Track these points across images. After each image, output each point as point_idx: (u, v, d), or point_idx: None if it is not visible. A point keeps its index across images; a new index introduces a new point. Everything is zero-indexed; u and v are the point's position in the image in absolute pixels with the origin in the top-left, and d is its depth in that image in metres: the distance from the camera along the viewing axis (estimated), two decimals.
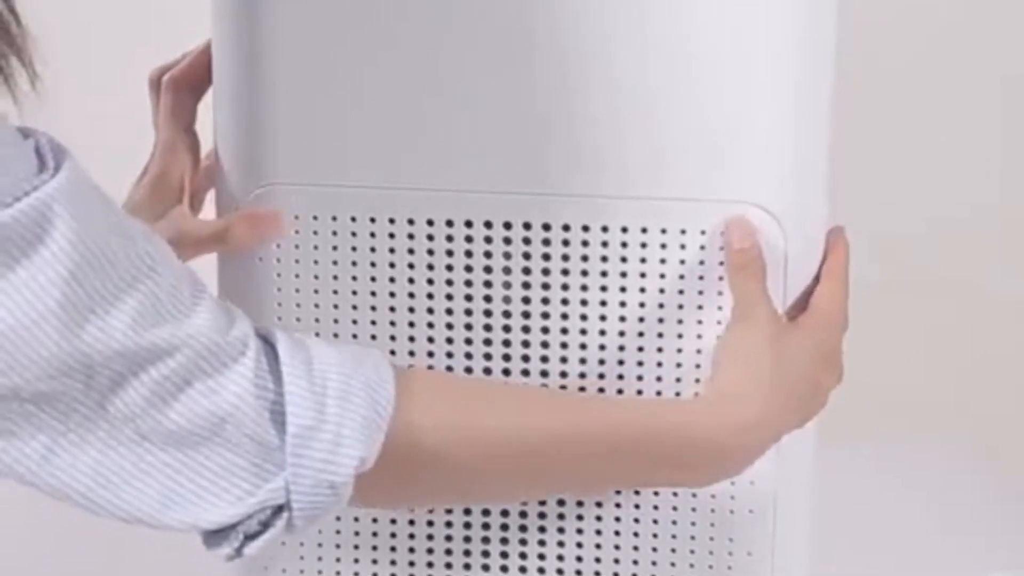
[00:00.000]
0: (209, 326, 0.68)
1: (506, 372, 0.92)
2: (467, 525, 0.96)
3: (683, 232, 0.89)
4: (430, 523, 0.96)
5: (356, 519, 0.97)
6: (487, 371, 0.92)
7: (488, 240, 0.91)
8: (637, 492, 0.93)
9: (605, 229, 0.90)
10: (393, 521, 0.96)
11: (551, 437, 0.79)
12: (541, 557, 0.95)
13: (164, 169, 0.95)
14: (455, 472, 0.77)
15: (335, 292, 0.93)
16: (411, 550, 0.97)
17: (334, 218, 0.92)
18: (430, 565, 0.97)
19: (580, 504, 0.94)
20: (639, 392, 0.91)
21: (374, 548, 0.97)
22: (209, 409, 0.68)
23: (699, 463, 0.83)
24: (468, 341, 0.92)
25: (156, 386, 0.67)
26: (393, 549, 0.97)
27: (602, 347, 0.91)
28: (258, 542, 0.71)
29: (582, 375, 0.92)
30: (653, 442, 0.82)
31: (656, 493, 0.93)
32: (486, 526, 0.95)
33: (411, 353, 0.93)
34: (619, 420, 0.82)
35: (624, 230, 0.90)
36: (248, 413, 0.68)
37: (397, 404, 0.73)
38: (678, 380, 0.91)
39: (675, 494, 0.93)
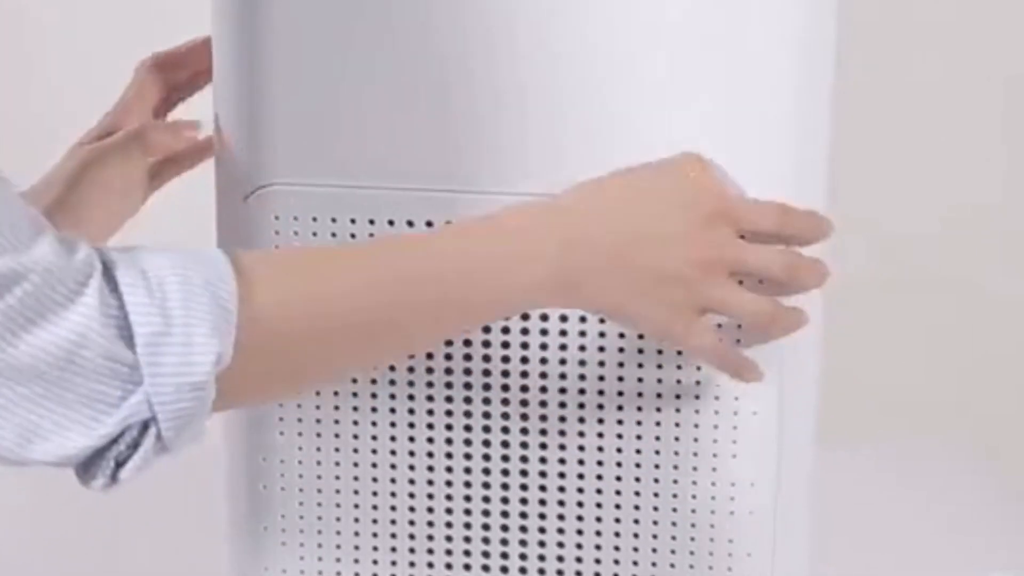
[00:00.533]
0: (50, 254, 0.67)
1: (505, 373, 0.92)
2: (467, 525, 0.96)
3: None
4: (430, 523, 0.96)
5: (356, 519, 0.97)
6: (486, 372, 0.92)
7: None
8: (637, 493, 0.93)
9: None
10: (393, 522, 0.97)
11: (394, 287, 0.77)
12: (541, 558, 0.95)
13: (112, 123, 1.01)
14: (313, 347, 0.76)
15: None
16: (411, 550, 0.97)
17: (334, 219, 0.92)
18: (430, 566, 0.97)
19: (580, 505, 0.94)
20: (639, 395, 0.91)
21: (374, 548, 0.97)
22: (61, 336, 0.67)
23: (528, 276, 0.80)
24: (467, 343, 0.92)
25: (3, 319, 0.66)
26: (393, 550, 0.97)
27: (601, 348, 0.92)
28: (130, 465, 0.70)
29: (582, 376, 0.92)
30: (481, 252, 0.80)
31: (656, 495, 0.93)
32: (486, 527, 0.95)
33: (410, 353, 0.93)
34: (450, 246, 0.80)
35: None
36: (98, 337, 0.68)
37: (241, 295, 0.72)
38: (678, 382, 0.91)
39: (675, 495, 0.93)
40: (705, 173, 0.82)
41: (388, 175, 0.91)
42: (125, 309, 0.69)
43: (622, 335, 0.91)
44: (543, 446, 0.94)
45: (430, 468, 0.95)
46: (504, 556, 0.96)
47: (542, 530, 0.95)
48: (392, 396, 0.94)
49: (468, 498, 0.95)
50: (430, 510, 0.95)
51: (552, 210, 0.81)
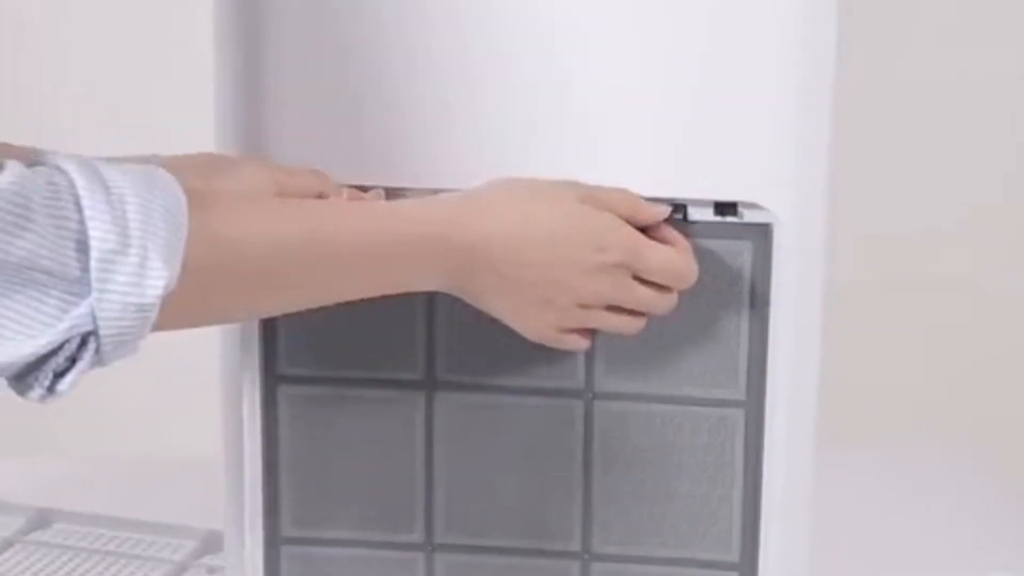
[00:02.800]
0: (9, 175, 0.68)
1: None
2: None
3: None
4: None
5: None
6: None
7: None
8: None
9: None
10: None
11: (314, 247, 0.80)
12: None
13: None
14: (242, 283, 0.78)
15: None
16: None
17: None
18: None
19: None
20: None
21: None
22: (18, 247, 0.67)
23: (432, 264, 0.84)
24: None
25: None
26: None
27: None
28: (68, 377, 0.71)
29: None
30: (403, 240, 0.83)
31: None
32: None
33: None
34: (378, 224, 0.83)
35: None
36: (46, 250, 0.68)
37: (192, 227, 0.73)
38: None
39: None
40: (613, 214, 0.87)
41: (387, 176, 0.91)
42: (84, 220, 0.69)
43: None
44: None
45: None
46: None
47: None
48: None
49: None
50: None
51: (460, 224, 0.84)
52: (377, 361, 0.93)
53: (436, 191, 0.89)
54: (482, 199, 0.86)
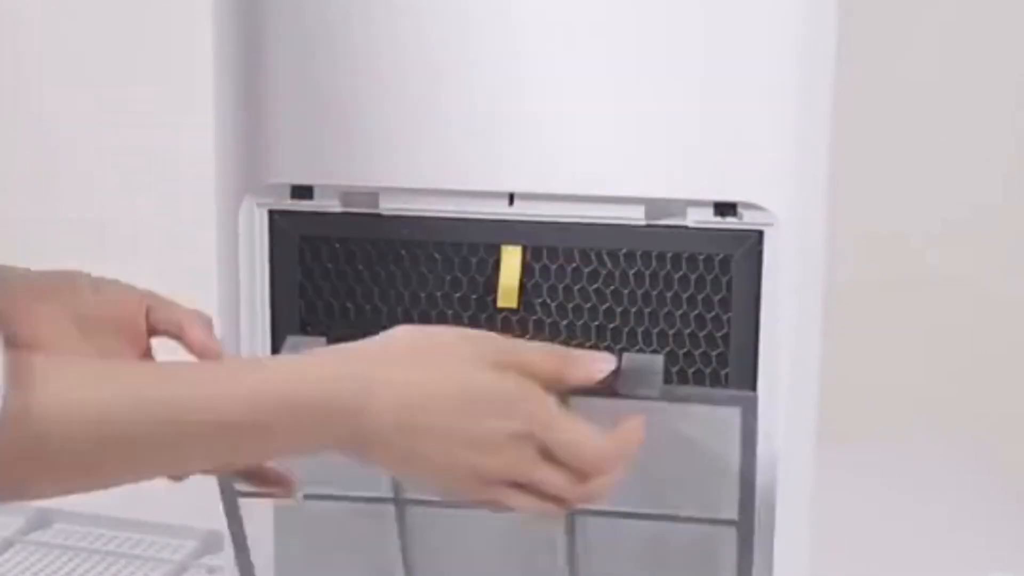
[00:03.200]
0: None
1: None
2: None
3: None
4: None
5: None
6: None
7: None
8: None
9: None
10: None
11: (171, 415, 0.70)
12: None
13: None
14: (76, 457, 0.69)
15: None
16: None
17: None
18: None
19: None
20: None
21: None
22: None
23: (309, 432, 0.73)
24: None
25: None
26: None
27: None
28: None
29: None
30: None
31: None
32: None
33: None
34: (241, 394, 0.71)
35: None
36: None
37: (11, 396, 0.65)
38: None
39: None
40: (533, 380, 0.76)
41: (387, 176, 0.91)
42: None
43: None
44: None
45: None
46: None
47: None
48: None
49: None
50: None
51: (344, 386, 0.73)
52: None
53: (434, 192, 0.89)
54: (376, 355, 0.74)
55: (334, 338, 0.78)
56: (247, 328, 0.94)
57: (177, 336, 0.81)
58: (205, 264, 0.98)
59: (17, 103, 1.93)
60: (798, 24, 0.88)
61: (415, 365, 0.74)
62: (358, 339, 0.75)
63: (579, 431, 0.75)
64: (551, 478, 0.75)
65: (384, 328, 0.75)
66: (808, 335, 0.91)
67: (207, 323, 0.81)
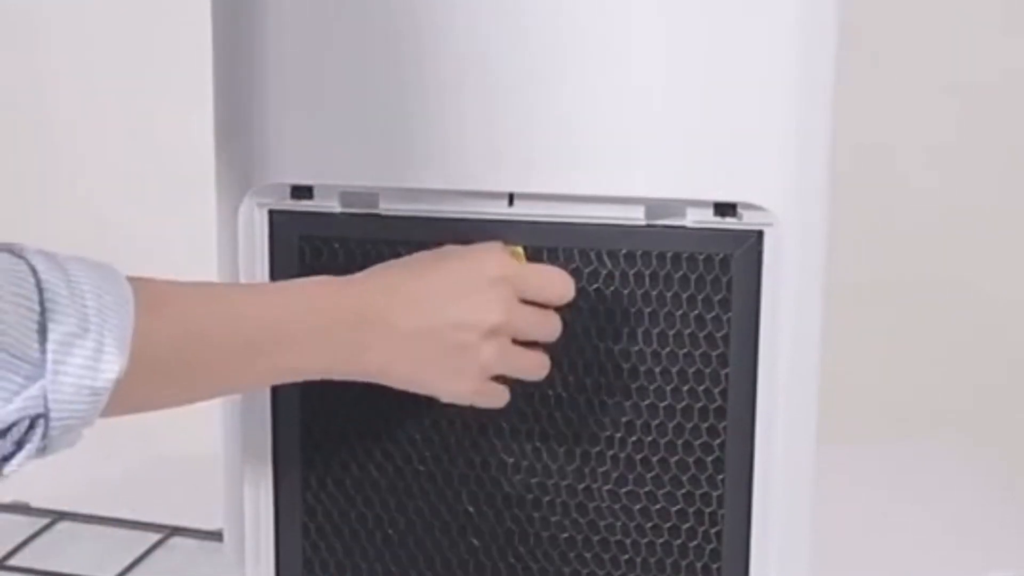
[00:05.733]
0: None
1: None
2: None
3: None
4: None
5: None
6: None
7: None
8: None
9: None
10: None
11: (256, 329, 0.81)
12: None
13: None
14: (193, 372, 0.79)
15: None
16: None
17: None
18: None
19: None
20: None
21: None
22: None
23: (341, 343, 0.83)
24: None
25: None
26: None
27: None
28: (15, 461, 0.71)
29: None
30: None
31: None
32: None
33: None
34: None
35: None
36: (9, 333, 0.68)
37: (136, 323, 0.73)
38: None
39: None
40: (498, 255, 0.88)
41: (386, 176, 0.91)
42: (44, 303, 0.70)
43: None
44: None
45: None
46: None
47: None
48: None
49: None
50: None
51: (346, 292, 0.84)
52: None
53: (434, 192, 0.89)
54: (376, 271, 0.87)
55: None
56: None
57: None
58: (205, 264, 0.98)
59: (17, 103, 1.93)
60: (798, 24, 0.88)
61: (413, 269, 0.86)
62: None
63: (542, 266, 0.89)
64: (528, 315, 0.87)
65: None
66: (808, 335, 0.91)
67: None
